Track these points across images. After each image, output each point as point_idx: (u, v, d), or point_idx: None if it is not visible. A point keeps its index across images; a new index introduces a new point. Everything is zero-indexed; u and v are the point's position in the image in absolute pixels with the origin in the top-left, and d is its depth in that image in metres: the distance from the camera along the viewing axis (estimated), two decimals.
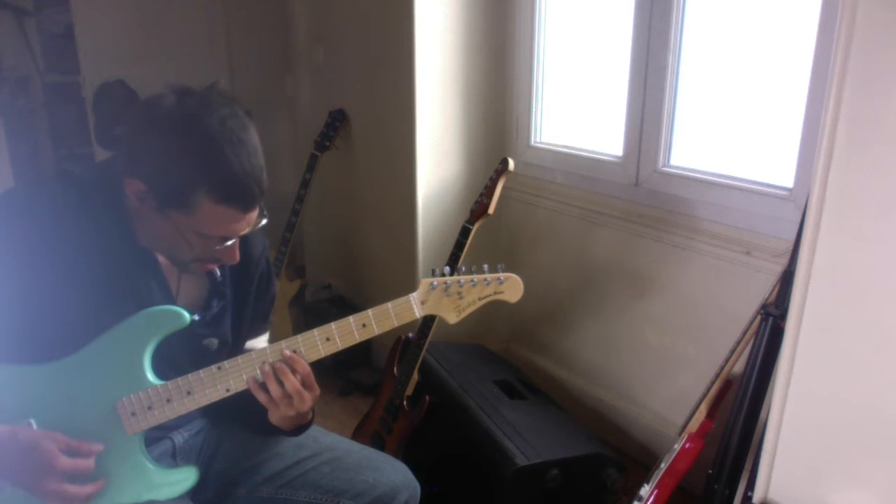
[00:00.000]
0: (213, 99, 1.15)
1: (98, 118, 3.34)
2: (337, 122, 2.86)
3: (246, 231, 1.21)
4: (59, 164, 3.57)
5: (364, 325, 1.24)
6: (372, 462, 1.45)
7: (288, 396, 1.22)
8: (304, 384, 1.23)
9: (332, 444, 1.46)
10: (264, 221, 1.24)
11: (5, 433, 1.14)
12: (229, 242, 1.21)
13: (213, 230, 1.18)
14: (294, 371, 1.21)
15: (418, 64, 2.40)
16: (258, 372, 1.22)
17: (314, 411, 1.36)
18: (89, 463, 1.18)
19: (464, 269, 1.27)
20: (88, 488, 1.18)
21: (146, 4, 3.23)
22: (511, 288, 1.28)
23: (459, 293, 1.26)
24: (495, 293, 1.28)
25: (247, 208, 1.18)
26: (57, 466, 1.14)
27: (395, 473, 1.45)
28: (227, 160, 1.12)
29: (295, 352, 1.23)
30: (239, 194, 1.15)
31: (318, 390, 1.26)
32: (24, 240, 1.17)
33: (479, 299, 1.28)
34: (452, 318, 1.27)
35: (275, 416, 1.27)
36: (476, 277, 1.26)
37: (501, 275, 1.27)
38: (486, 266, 1.28)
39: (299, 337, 1.24)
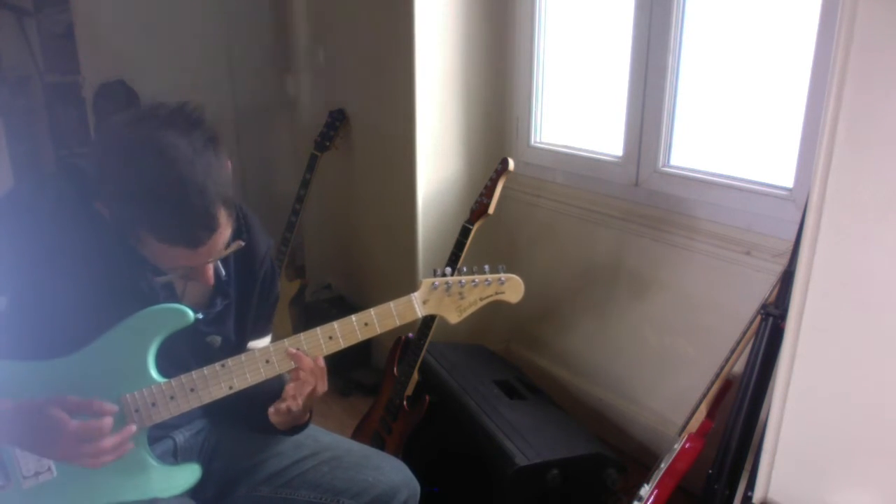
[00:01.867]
0: (165, 126, 1.10)
1: (98, 118, 3.35)
2: (337, 122, 2.86)
3: (208, 261, 1.18)
4: (60, 161, 3.57)
5: (366, 324, 1.25)
6: (371, 461, 1.45)
7: (313, 373, 1.24)
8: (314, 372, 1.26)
9: (331, 444, 1.47)
10: (236, 245, 1.21)
11: (9, 406, 1.13)
12: (194, 267, 1.18)
13: (168, 263, 1.17)
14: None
15: (418, 64, 2.41)
16: (262, 371, 1.22)
17: (311, 412, 1.37)
18: (101, 423, 1.15)
19: (465, 269, 1.28)
20: (109, 441, 1.15)
21: (146, 5, 3.23)
22: (512, 288, 1.29)
23: (461, 293, 1.26)
24: (496, 294, 1.29)
25: (193, 246, 1.12)
26: (68, 430, 1.12)
27: (394, 472, 1.45)
28: (165, 202, 1.07)
29: (298, 350, 1.23)
30: (179, 236, 1.11)
31: (326, 386, 1.29)
32: (27, 237, 1.17)
33: (481, 299, 1.29)
34: (454, 318, 1.28)
35: (280, 412, 1.28)
36: (477, 278, 1.27)
37: (502, 275, 1.28)
38: (487, 266, 1.29)
39: (302, 335, 1.24)
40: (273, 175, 3.58)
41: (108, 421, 1.15)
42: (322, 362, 1.26)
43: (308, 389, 1.26)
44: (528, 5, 2.46)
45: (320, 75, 3.11)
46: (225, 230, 1.15)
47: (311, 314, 3.07)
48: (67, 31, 3.31)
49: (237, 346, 1.38)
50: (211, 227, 1.12)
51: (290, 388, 1.27)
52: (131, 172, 1.08)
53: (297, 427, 1.37)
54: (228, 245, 1.20)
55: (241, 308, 1.37)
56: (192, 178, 1.08)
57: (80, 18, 3.16)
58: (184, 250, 1.12)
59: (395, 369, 2.18)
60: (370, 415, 2.26)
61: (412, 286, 1.27)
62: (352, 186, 3.00)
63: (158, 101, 1.15)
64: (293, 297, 3.04)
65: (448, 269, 1.28)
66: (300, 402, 1.27)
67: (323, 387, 1.28)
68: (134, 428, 1.19)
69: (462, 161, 2.59)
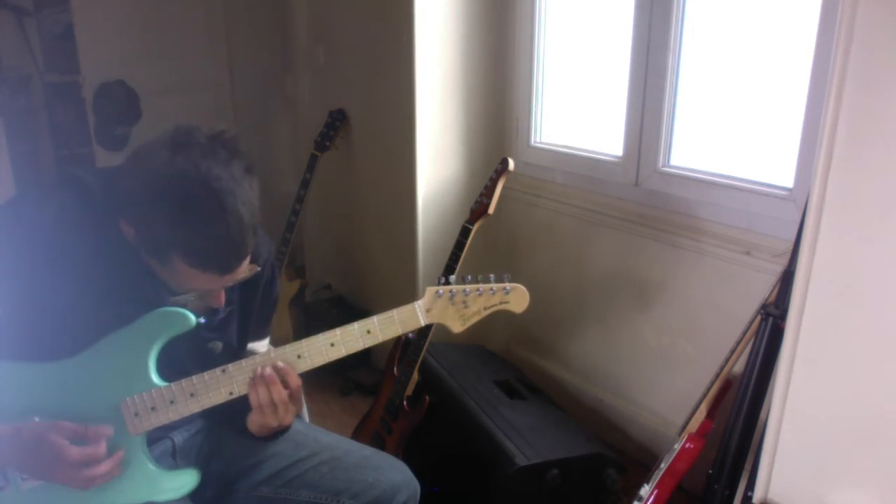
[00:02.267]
0: (207, 156, 1.11)
1: (98, 118, 3.35)
2: (337, 122, 2.86)
3: (230, 283, 1.20)
4: (59, 165, 3.57)
5: (369, 332, 1.24)
6: (371, 461, 1.45)
7: (273, 405, 1.22)
8: (292, 397, 1.23)
9: (331, 444, 1.46)
10: (252, 269, 1.22)
11: (9, 431, 1.14)
12: (211, 291, 1.20)
13: (189, 286, 1.18)
14: (284, 383, 1.22)
15: (418, 64, 2.40)
16: (249, 381, 1.22)
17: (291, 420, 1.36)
18: (99, 449, 1.17)
19: (469, 277, 1.27)
20: (104, 466, 1.17)
21: (146, 4, 3.23)
22: (517, 298, 1.28)
23: (465, 302, 1.25)
24: (501, 303, 1.28)
25: (223, 273, 1.15)
26: (67, 457, 1.14)
27: (394, 472, 1.45)
28: (203, 230, 1.09)
29: (300, 356, 1.23)
30: (213, 263, 1.13)
31: (302, 407, 1.27)
32: (30, 244, 1.17)
33: (485, 309, 1.27)
34: (457, 327, 1.27)
35: (254, 421, 1.28)
36: (482, 287, 1.26)
37: (508, 285, 1.27)
38: (492, 275, 1.27)
39: (304, 342, 1.24)
40: (273, 175, 3.58)
41: (103, 446, 1.17)
42: (282, 395, 1.22)
43: (267, 421, 1.24)
44: (528, 5, 2.46)
45: (320, 75, 3.11)
46: (249, 256, 1.18)
47: (310, 314, 3.06)
48: (67, 31, 3.31)
49: (237, 351, 1.38)
50: (242, 254, 1.16)
51: (252, 417, 1.27)
52: (174, 199, 1.09)
53: (276, 433, 1.36)
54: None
55: (243, 314, 1.38)
56: (234, 209, 1.10)
57: (80, 18, 3.16)
58: (213, 276, 1.15)
59: (395, 369, 2.18)
60: (370, 415, 2.26)
61: (412, 286, 1.27)
62: (352, 186, 3.00)
63: (193, 125, 1.15)
64: (293, 298, 3.04)
65: (452, 278, 1.26)
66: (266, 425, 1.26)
67: (288, 419, 1.26)
68: (122, 453, 1.20)
69: (462, 161, 2.59)
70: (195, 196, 1.08)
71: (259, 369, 1.21)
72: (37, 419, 1.18)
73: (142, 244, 1.16)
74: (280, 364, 1.22)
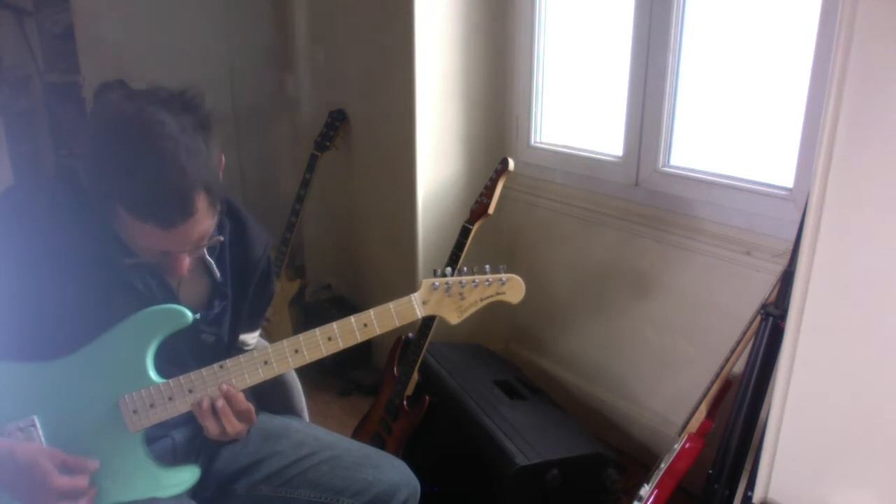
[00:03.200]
0: (159, 105, 1.09)
1: None
2: (337, 122, 2.86)
3: (191, 249, 1.17)
4: (59, 163, 3.57)
5: (366, 325, 1.24)
6: (371, 460, 1.45)
7: (225, 433, 1.22)
8: (241, 418, 1.23)
9: (331, 443, 1.46)
10: (215, 241, 1.20)
11: (4, 449, 1.14)
12: (168, 255, 1.16)
13: (136, 241, 1.15)
14: (232, 408, 1.21)
15: (418, 64, 2.41)
16: (260, 372, 1.22)
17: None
18: (83, 481, 1.18)
19: (465, 269, 1.27)
20: (82, 502, 1.17)
21: (146, 5, 3.23)
22: (513, 289, 1.29)
23: (461, 294, 1.26)
24: (497, 294, 1.28)
25: (165, 226, 1.10)
26: (52, 485, 1.14)
27: (394, 471, 1.45)
28: (141, 175, 1.06)
29: (297, 351, 1.23)
30: (152, 212, 1.08)
31: (255, 420, 1.26)
32: (24, 238, 1.17)
33: (481, 300, 1.28)
34: (454, 319, 1.27)
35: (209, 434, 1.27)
36: (478, 278, 1.26)
37: (503, 275, 1.28)
38: (487, 267, 1.28)
39: (301, 336, 1.24)
40: (273, 175, 3.58)
41: (86, 480, 1.17)
42: (237, 427, 1.22)
43: (211, 433, 1.23)
44: (528, 5, 2.46)
45: (320, 75, 3.11)
46: (204, 220, 1.13)
47: (310, 314, 3.07)
48: (67, 31, 3.31)
49: (230, 342, 1.38)
50: (186, 210, 1.10)
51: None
52: (112, 142, 1.08)
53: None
54: (210, 238, 1.19)
55: (237, 308, 1.37)
56: (173, 156, 1.07)
57: (80, 18, 3.17)
58: (156, 229, 1.10)
59: (395, 369, 2.18)
60: (370, 415, 2.26)
61: (412, 286, 1.27)
62: (352, 186, 3.00)
63: (161, 84, 1.14)
64: (293, 297, 3.04)
65: (448, 270, 1.27)
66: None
67: (252, 422, 1.26)
68: (96, 490, 1.20)
69: (462, 161, 2.59)
70: (133, 138, 1.07)
71: (201, 401, 1.20)
72: (35, 418, 1.18)
73: (92, 197, 1.13)
74: (224, 387, 1.21)
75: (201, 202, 1.11)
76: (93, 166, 1.10)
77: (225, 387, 1.21)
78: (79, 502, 1.17)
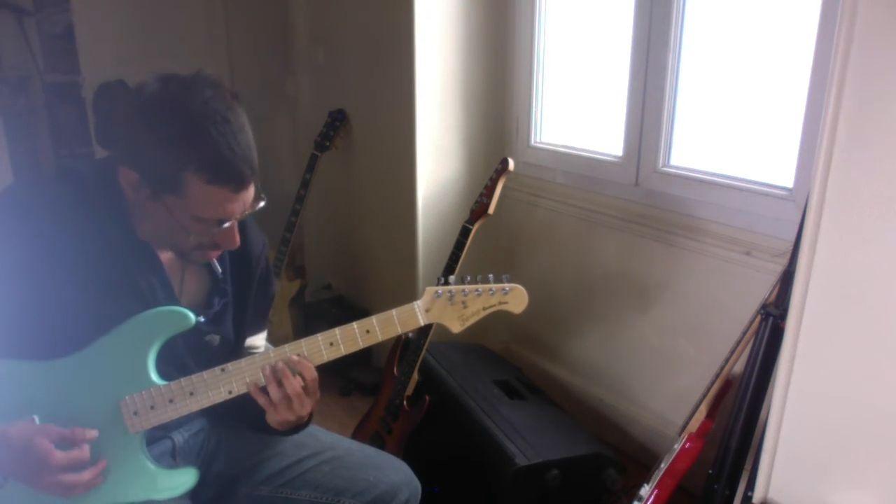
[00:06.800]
0: (195, 82, 1.15)
1: (98, 118, 3.34)
2: (337, 122, 2.86)
3: (244, 214, 1.21)
4: (59, 163, 3.57)
5: (368, 332, 1.24)
6: (372, 460, 1.45)
7: (287, 399, 1.21)
8: (307, 389, 1.23)
9: (332, 443, 1.47)
10: (262, 204, 1.23)
11: None
12: (226, 225, 1.20)
13: (206, 212, 1.17)
14: (300, 375, 1.21)
15: (418, 64, 2.41)
16: (260, 375, 1.22)
17: (312, 412, 1.36)
18: (84, 452, 1.17)
19: (469, 277, 1.27)
20: (87, 474, 1.17)
21: (146, 4, 3.23)
22: (516, 298, 1.28)
23: (464, 302, 1.26)
24: (500, 304, 1.28)
25: (238, 188, 1.16)
26: (52, 462, 1.14)
27: (395, 472, 1.45)
28: (213, 139, 1.12)
29: (299, 356, 1.22)
30: (227, 173, 1.14)
31: (318, 395, 1.26)
32: (25, 238, 1.17)
33: (484, 309, 1.27)
34: (456, 327, 1.27)
35: (272, 419, 1.27)
36: (481, 287, 1.26)
37: (507, 285, 1.27)
38: (491, 276, 1.28)
39: (303, 341, 1.24)
40: (273, 175, 3.58)
41: (87, 450, 1.17)
42: (296, 388, 1.22)
43: (284, 417, 1.24)
44: (528, 5, 2.46)
45: (320, 75, 3.11)
46: (255, 180, 1.20)
47: (311, 314, 3.06)
48: (67, 31, 3.31)
49: (235, 345, 1.38)
50: (251, 165, 1.16)
51: (268, 416, 1.26)
52: (177, 115, 1.12)
53: (297, 427, 1.37)
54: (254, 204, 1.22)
55: (238, 307, 1.37)
56: (235, 120, 1.15)
57: (80, 18, 3.16)
58: (226, 192, 1.15)
59: (395, 369, 2.18)
60: (370, 415, 2.26)
61: (412, 287, 1.27)
62: (352, 186, 3.00)
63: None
64: (293, 298, 3.04)
65: (452, 278, 1.27)
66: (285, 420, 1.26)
67: (305, 410, 1.26)
68: (104, 463, 1.20)
69: (462, 161, 2.59)
70: (194, 107, 1.12)
71: (264, 368, 1.21)
72: (35, 418, 1.18)
73: (150, 183, 1.15)
74: (295, 357, 1.22)
75: (257, 163, 1.18)
76: (151, 148, 1.14)
77: (296, 357, 1.22)
78: (83, 474, 1.17)
